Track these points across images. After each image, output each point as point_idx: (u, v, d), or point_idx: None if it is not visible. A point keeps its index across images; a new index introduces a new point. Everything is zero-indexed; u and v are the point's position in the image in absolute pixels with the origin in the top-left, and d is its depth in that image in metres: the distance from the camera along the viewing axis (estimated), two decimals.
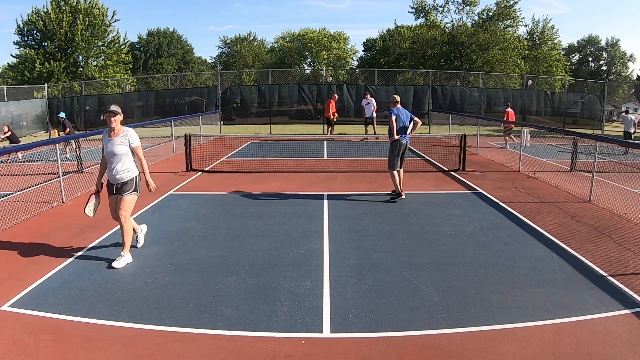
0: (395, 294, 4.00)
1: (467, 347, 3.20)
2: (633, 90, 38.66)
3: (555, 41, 38.20)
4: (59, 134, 13.34)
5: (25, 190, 8.43)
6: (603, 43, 55.67)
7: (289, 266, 4.64)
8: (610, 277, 4.34)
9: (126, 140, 4.67)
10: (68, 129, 13.03)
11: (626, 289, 4.07)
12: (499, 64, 30.90)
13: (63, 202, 7.39)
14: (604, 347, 3.18)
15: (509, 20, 32.56)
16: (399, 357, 3.08)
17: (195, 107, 20.82)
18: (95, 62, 30.85)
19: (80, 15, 28.52)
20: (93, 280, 4.29)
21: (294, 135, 17.76)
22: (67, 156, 12.12)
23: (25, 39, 29.18)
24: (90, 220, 6.36)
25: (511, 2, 31.75)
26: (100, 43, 30.40)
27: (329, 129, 17.24)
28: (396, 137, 7.29)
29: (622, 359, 3.05)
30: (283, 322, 3.52)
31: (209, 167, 10.70)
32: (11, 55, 41.47)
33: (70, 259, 4.84)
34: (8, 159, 12.22)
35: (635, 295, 3.94)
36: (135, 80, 31.99)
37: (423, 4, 33.38)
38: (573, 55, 55.11)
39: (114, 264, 4.61)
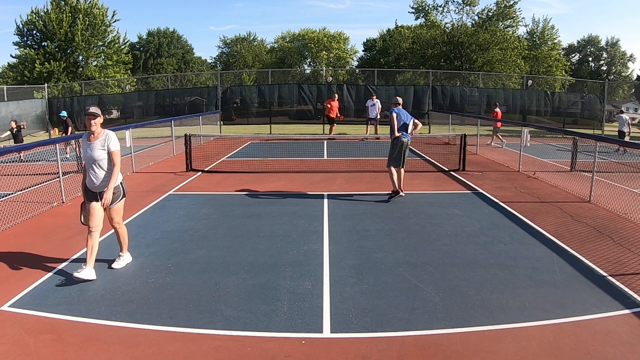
0: (395, 294, 4.00)
1: (467, 347, 3.20)
2: (633, 90, 38.64)
3: (555, 41, 38.21)
4: (59, 134, 13.33)
5: (25, 190, 8.43)
6: (603, 43, 55.72)
7: (289, 266, 4.64)
8: (610, 277, 4.34)
9: (106, 144, 4.33)
10: (70, 128, 13.03)
11: (626, 289, 4.07)
12: (499, 64, 30.90)
13: (63, 202, 7.39)
14: (604, 347, 3.18)
15: (509, 20, 32.57)
16: (399, 357, 3.08)
17: (195, 107, 20.82)
18: (95, 62, 30.89)
19: (80, 15, 28.54)
20: (93, 280, 4.28)
21: (294, 135, 17.76)
22: (67, 156, 12.12)
23: (25, 39, 29.21)
24: None
25: (511, 2, 31.76)
26: (100, 43, 30.44)
27: (330, 128, 17.31)
28: (397, 134, 7.30)
29: (622, 359, 3.05)
30: (283, 322, 3.52)
31: (209, 167, 10.70)
32: (11, 55, 41.44)
33: (71, 259, 4.84)
34: (20, 157, 12.21)
35: (635, 295, 3.94)
36: (135, 80, 31.99)
37: (423, 4, 33.40)
38: (573, 55, 55.12)
39: (114, 265, 4.59)
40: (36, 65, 27.53)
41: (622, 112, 16.50)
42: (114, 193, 4.36)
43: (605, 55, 55.96)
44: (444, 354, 3.12)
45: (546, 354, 3.10)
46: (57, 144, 8.38)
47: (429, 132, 19.22)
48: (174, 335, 3.36)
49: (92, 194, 4.38)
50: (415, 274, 4.44)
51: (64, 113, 13.75)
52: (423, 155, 12.68)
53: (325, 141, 15.98)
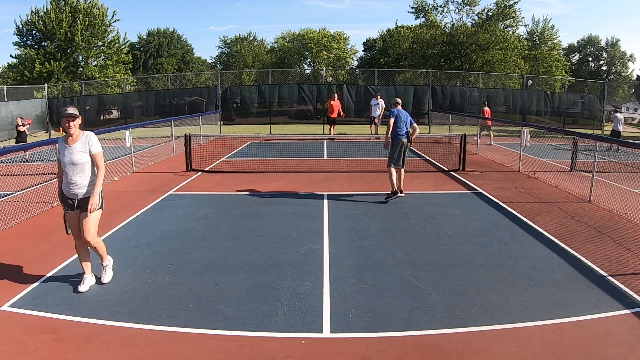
0: (395, 294, 3.99)
1: (467, 347, 3.20)
2: (633, 90, 38.66)
3: (555, 41, 38.22)
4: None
5: (25, 190, 8.43)
6: (603, 43, 55.72)
7: (289, 266, 4.64)
8: (610, 277, 4.34)
9: (87, 146, 4.01)
10: None
11: (626, 289, 4.07)
12: (499, 64, 30.91)
13: None
14: (604, 347, 3.18)
15: (509, 20, 32.57)
16: (399, 357, 3.08)
17: (195, 107, 20.82)
18: (95, 62, 30.90)
19: (80, 15, 28.54)
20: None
21: (294, 135, 17.76)
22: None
23: (25, 39, 29.21)
24: None
25: (511, 2, 31.76)
26: (100, 43, 30.44)
27: (331, 128, 17.33)
28: (389, 137, 7.43)
29: (622, 359, 3.05)
30: (283, 322, 3.52)
31: (209, 167, 10.70)
32: (11, 55, 41.44)
33: (71, 259, 4.84)
34: (26, 157, 12.21)
35: (635, 295, 3.94)
36: (135, 80, 31.99)
37: (423, 4, 33.41)
38: (573, 55, 55.12)
39: (104, 280, 4.20)
40: (36, 65, 27.53)
41: (616, 111, 16.78)
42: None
43: (605, 55, 55.97)
44: (444, 354, 3.12)
45: (546, 354, 3.10)
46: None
47: (429, 132, 19.23)
48: (174, 335, 3.36)
49: (71, 203, 4.03)
50: (415, 274, 4.44)
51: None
52: (423, 155, 12.68)
53: (325, 141, 15.98)
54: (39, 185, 8.74)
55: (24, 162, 12.15)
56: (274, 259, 4.85)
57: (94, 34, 29.43)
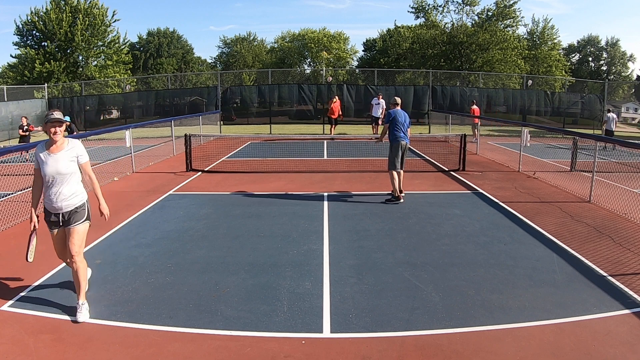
0: (395, 294, 4.00)
1: (467, 347, 3.20)
2: (633, 90, 38.66)
3: (555, 41, 38.21)
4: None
5: (25, 190, 8.42)
6: (603, 43, 55.67)
7: (289, 266, 4.64)
8: (610, 277, 4.34)
9: (74, 155, 3.64)
10: (75, 133, 13.07)
11: (626, 289, 4.07)
12: (499, 64, 30.93)
13: None
14: (604, 347, 3.18)
15: (509, 20, 32.58)
16: (399, 357, 3.08)
17: (195, 107, 20.83)
18: (95, 62, 30.91)
19: (80, 15, 28.56)
20: (93, 280, 4.28)
21: (294, 135, 17.76)
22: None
23: (25, 39, 29.23)
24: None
25: (510, 2, 31.77)
26: (100, 43, 30.46)
27: (332, 127, 17.35)
28: (383, 139, 7.62)
29: (622, 359, 3.05)
30: (283, 322, 3.52)
31: (209, 167, 10.70)
32: (11, 55, 41.48)
33: None
34: (27, 158, 12.21)
35: (635, 295, 3.94)
36: (135, 80, 31.99)
37: (423, 4, 33.43)
38: (573, 55, 55.09)
39: (80, 318, 3.55)
40: (36, 65, 27.53)
41: (609, 110, 17.14)
42: (76, 211, 3.64)
43: (605, 55, 55.93)
44: (444, 354, 3.12)
45: (546, 354, 3.10)
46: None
47: (429, 132, 19.23)
48: (174, 335, 3.36)
49: (56, 218, 3.63)
50: (415, 274, 4.44)
51: (67, 118, 13.77)
52: (423, 155, 12.68)
53: (325, 141, 15.98)
54: None
55: (23, 162, 12.15)
56: (274, 259, 4.85)
57: (94, 34, 29.44)
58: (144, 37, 52.98)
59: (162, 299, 3.92)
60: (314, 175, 9.67)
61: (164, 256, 4.94)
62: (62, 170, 3.57)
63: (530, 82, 23.59)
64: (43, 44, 29.15)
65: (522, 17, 45.93)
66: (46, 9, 28.31)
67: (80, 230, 3.65)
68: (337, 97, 17.61)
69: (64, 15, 27.88)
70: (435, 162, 11.33)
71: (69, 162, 3.61)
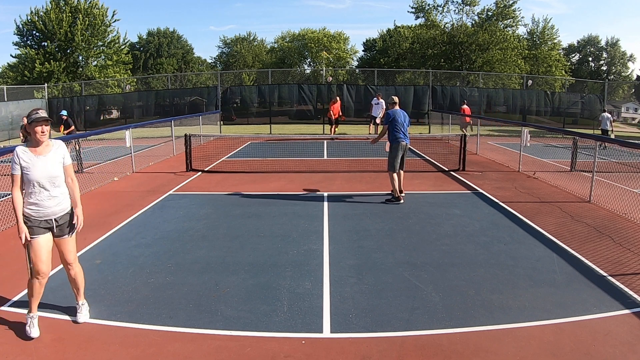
0: (395, 294, 3.99)
1: (467, 347, 3.20)
2: (633, 90, 38.66)
3: (555, 41, 38.22)
4: (63, 132, 13.36)
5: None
6: (603, 43, 55.67)
7: (289, 266, 4.64)
8: (610, 277, 4.34)
9: (61, 155, 3.47)
10: (72, 127, 13.07)
11: (626, 289, 4.07)
12: (498, 64, 30.94)
13: None
14: (604, 347, 3.18)
15: (509, 20, 32.59)
16: (399, 357, 3.08)
17: (195, 107, 20.83)
18: (95, 62, 30.92)
19: (80, 15, 28.56)
20: (93, 280, 4.29)
21: (294, 135, 17.77)
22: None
23: (25, 39, 29.23)
24: (89, 220, 6.36)
25: (510, 2, 31.78)
26: (100, 43, 30.47)
27: (334, 128, 17.36)
28: (379, 139, 7.68)
29: (622, 359, 3.05)
30: (283, 322, 3.52)
31: (209, 167, 10.70)
32: (11, 55, 41.49)
33: None
34: None
35: (635, 295, 3.94)
36: (135, 80, 32.00)
37: (423, 4, 33.43)
38: (573, 55, 55.10)
39: (80, 319, 3.57)
40: (36, 65, 27.54)
41: (604, 110, 17.37)
42: (69, 215, 3.49)
43: (605, 55, 55.94)
44: (444, 354, 3.12)
45: (546, 354, 3.10)
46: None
47: (429, 132, 19.24)
48: (174, 335, 3.36)
49: (49, 225, 3.39)
50: (415, 274, 4.44)
51: (64, 112, 13.77)
52: (423, 155, 12.68)
53: (325, 141, 15.98)
54: None
55: None
56: (274, 259, 4.85)
57: (94, 34, 29.45)
58: (144, 37, 53.01)
59: (162, 299, 3.92)
60: (314, 175, 9.67)
61: (164, 256, 4.94)
62: (54, 172, 3.37)
63: (530, 82, 23.59)
64: (43, 44, 29.15)
65: (522, 17, 45.98)
66: (46, 9, 28.31)
67: (74, 238, 3.55)
68: (337, 98, 17.61)
69: (64, 15, 27.88)
70: (435, 162, 11.33)
71: (59, 164, 3.43)
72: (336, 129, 17.58)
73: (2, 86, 22.16)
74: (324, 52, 46.22)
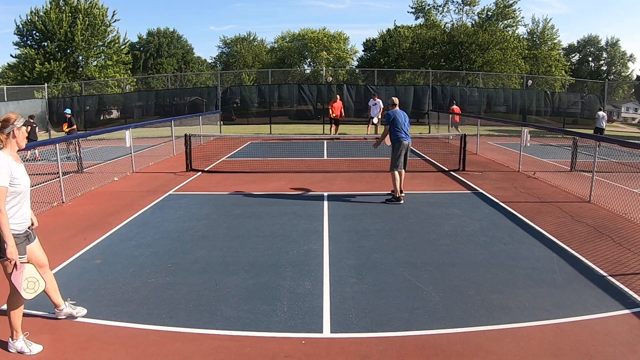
0: (395, 294, 3.99)
1: (467, 347, 3.20)
2: (633, 90, 38.67)
3: (555, 41, 38.24)
4: (67, 130, 13.39)
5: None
6: (603, 43, 55.68)
7: (289, 266, 4.64)
8: (610, 277, 4.34)
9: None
10: (74, 126, 13.07)
11: (626, 289, 4.07)
12: (498, 64, 30.96)
13: (63, 202, 7.39)
14: (604, 347, 3.18)
15: (509, 20, 32.61)
16: (399, 357, 3.08)
17: (195, 107, 20.84)
18: (95, 62, 30.93)
19: (80, 15, 28.57)
20: (93, 280, 4.29)
21: (294, 135, 17.76)
22: (69, 155, 12.10)
23: (25, 39, 29.24)
24: (90, 220, 6.38)
25: (510, 2, 31.78)
26: (100, 43, 30.48)
27: (335, 128, 17.36)
28: (384, 141, 7.64)
29: (622, 359, 3.05)
30: (283, 322, 3.52)
31: (209, 167, 10.70)
32: (11, 55, 41.49)
33: (70, 259, 4.84)
34: (36, 156, 12.36)
35: (635, 295, 3.94)
36: (135, 80, 32.01)
37: (423, 4, 33.44)
38: (573, 55, 55.11)
39: (78, 313, 3.60)
40: (36, 65, 27.54)
41: (600, 109, 17.67)
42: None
43: (605, 55, 55.94)
44: (444, 354, 3.12)
45: (546, 354, 3.10)
46: (57, 144, 8.37)
47: (429, 132, 19.25)
48: (174, 335, 3.36)
49: (26, 233, 3.16)
50: (415, 274, 4.44)
51: (68, 111, 13.81)
52: (423, 155, 12.68)
53: (325, 141, 15.98)
54: (39, 186, 8.72)
55: (33, 161, 12.16)
56: (274, 259, 4.85)
57: (94, 34, 29.46)
58: (144, 37, 53.02)
59: (162, 299, 3.92)
60: (314, 175, 9.67)
61: (164, 256, 4.94)
62: (29, 182, 3.13)
63: (530, 82, 23.60)
64: (43, 44, 29.16)
65: (522, 17, 46.02)
66: (46, 9, 28.31)
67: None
68: (338, 97, 17.61)
69: (64, 15, 27.89)
70: (435, 162, 11.33)
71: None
72: (336, 130, 17.56)
73: (2, 86, 22.17)
74: (324, 52, 46.24)
